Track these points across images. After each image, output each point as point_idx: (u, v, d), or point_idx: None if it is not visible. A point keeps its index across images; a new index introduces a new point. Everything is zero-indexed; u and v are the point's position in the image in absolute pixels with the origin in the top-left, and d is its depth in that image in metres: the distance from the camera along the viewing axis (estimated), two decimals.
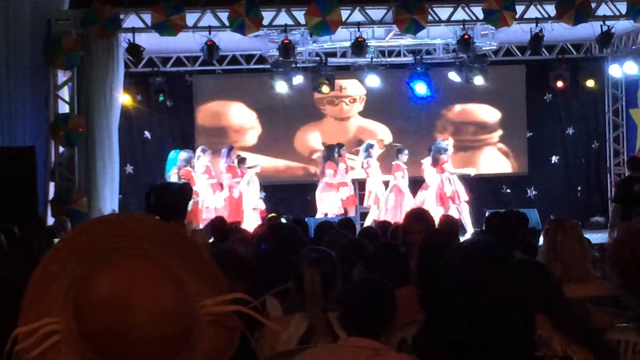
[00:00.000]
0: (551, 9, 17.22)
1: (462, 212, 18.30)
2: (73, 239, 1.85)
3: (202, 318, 1.76)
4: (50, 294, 1.76)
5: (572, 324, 4.36)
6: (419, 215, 7.68)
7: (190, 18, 16.83)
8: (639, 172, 14.82)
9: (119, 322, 1.67)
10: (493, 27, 17.69)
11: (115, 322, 1.67)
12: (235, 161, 19.07)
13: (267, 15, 16.93)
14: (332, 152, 19.05)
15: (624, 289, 2.96)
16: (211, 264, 1.86)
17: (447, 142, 19.21)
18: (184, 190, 7.17)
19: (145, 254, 1.77)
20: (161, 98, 19.66)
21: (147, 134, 21.19)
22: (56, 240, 9.28)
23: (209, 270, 1.85)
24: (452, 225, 10.29)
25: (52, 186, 17.01)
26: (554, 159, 22.22)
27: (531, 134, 21.95)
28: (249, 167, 19.12)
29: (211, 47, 17.35)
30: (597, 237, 14.29)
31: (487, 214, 12.42)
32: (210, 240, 10.05)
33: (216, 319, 1.78)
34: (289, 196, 20.81)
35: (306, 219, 13.91)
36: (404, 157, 19.19)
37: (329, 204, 18.68)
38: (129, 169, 20.76)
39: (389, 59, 20.61)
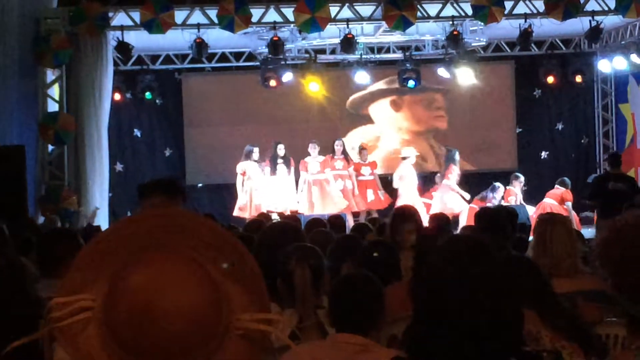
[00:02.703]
0: (540, 5, 17.24)
1: None
2: (129, 224, 1.86)
3: (234, 330, 1.75)
4: (93, 272, 1.78)
5: (561, 319, 4.37)
6: (405, 214, 7.70)
7: (179, 16, 16.82)
8: (617, 170, 14.82)
9: (143, 315, 1.66)
10: (482, 23, 17.69)
11: (139, 314, 1.66)
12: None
13: (256, 13, 16.91)
14: (453, 155, 19.20)
15: (615, 289, 2.95)
16: (259, 278, 1.84)
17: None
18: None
19: (192, 256, 1.76)
20: (149, 96, 19.65)
21: (136, 132, 21.17)
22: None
23: (255, 284, 1.83)
24: (443, 222, 10.28)
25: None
26: (544, 154, 22.26)
27: (520, 129, 22.00)
28: (403, 158, 19.16)
29: (200, 45, 17.33)
30: (586, 232, 14.31)
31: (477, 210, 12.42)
32: None
33: (247, 335, 1.76)
34: None
35: None
36: None
37: (455, 204, 18.73)
38: (119, 167, 20.75)
39: (378, 56, 20.65)
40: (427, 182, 19.87)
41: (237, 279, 1.79)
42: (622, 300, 2.91)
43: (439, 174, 19.72)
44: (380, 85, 21.06)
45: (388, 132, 21.67)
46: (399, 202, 18.08)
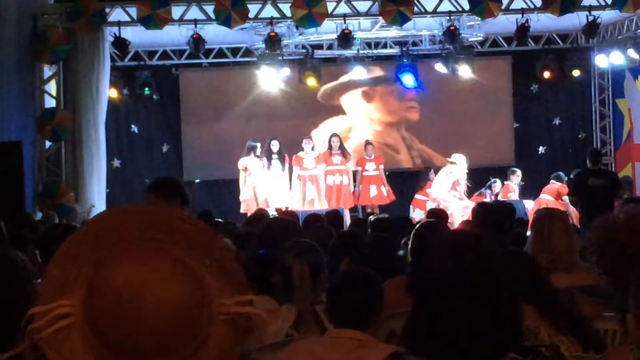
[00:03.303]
0: (537, 0, 17.24)
1: None
2: (96, 224, 1.83)
3: (217, 317, 1.74)
4: (68, 276, 1.75)
5: (559, 313, 4.38)
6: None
7: (176, 11, 16.81)
8: (597, 165, 14.85)
9: (126, 313, 1.65)
10: (479, 18, 17.70)
11: (122, 313, 1.65)
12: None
13: (252, 8, 16.91)
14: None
15: (612, 285, 2.96)
16: (234, 263, 1.84)
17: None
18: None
19: (168, 248, 1.75)
20: (147, 92, 19.71)
21: (134, 127, 21.15)
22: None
23: (231, 269, 1.82)
24: (440, 217, 10.30)
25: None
26: (541, 149, 22.27)
27: (518, 124, 22.00)
28: (451, 162, 19.04)
29: (197, 40, 17.33)
30: None
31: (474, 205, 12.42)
32: None
33: (231, 319, 1.76)
34: None
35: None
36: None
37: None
38: (116, 163, 20.72)
39: (375, 51, 20.64)
40: (421, 179, 19.81)
41: (218, 272, 1.78)
42: (617, 296, 2.92)
43: (432, 171, 19.66)
44: (352, 76, 20.97)
45: (360, 123, 21.59)
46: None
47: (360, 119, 21.55)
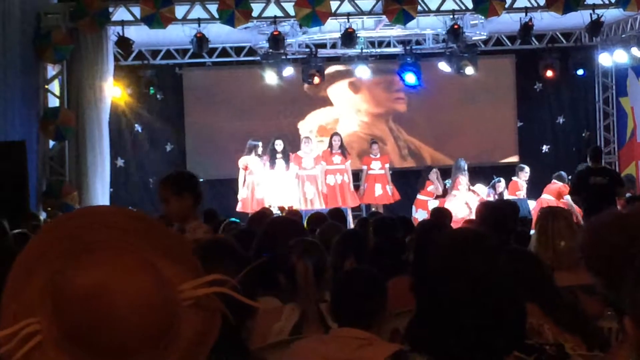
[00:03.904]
0: None
1: None
2: (46, 235, 1.82)
3: (182, 303, 1.75)
4: (27, 293, 1.74)
5: (563, 312, 4.37)
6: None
7: (180, 10, 16.81)
8: (598, 164, 14.82)
9: (99, 316, 1.64)
10: (483, 17, 17.68)
11: (96, 316, 1.64)
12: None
13: (256, 7, 16.90)
14: (462, 165, 19.09)
15: (605, 287, 2.96)
16: (186, 248, 1.85)
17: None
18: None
19: (121, 246, 1.75)
20: (152, 91, 19.69)
21: (137, 127, 21.15)
22: None
23: (184, 255, 1.83)
24: (443, 217, 10.31)
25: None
26: (545, 148, 22.26)
27: (521, 123, 21.99)
28: (473, 191, 18.91)
29: (201, 40, 17.33)
30: None
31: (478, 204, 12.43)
32: None
33: (196, 303, 1.77)
34: None
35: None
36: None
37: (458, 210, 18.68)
38: (120, 162, 20.72)
39: (378, 50, 20.64)
40: (420, 180, 19.76)
41: (167, 255, 1.79)
42: (612, 296, 2.92)
43: (434, 170, 19.62)
44: (339, 66, 20.94)
45: (347, 114, 21.54)
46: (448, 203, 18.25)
47: (347, 110, 21.52)
